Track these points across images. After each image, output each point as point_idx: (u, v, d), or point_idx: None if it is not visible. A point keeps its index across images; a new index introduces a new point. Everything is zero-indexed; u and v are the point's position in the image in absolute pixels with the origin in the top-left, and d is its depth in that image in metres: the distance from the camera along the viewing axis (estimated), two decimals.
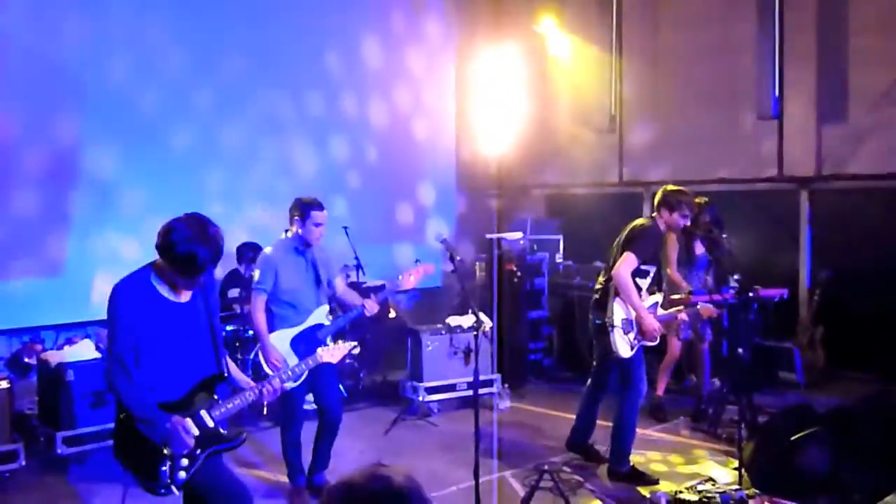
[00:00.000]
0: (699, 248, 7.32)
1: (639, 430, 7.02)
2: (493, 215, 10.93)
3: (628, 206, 10.08)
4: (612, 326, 5.75)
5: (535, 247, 9.45)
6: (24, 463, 5.87)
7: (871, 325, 8.13)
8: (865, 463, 5.53)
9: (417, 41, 10.42)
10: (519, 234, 9.17)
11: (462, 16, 10.91)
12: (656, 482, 5.85)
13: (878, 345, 8.05)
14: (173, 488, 3.65)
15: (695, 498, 5.01)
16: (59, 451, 6.09)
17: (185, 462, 3.67)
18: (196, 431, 3.69)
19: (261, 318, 5.43)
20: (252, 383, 4.04)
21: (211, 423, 3.76)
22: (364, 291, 6.50)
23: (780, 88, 8.72)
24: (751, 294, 6.22)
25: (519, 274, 8.92)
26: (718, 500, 4.95)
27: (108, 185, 7.76)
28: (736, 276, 6.16)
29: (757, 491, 5.27)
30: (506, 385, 8.05)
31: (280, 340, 5.46)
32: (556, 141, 10.92)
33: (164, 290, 3.73)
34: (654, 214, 5.99)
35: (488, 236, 9.18)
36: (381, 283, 9.14)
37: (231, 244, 7.71)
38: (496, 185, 11.08)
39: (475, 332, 5.13)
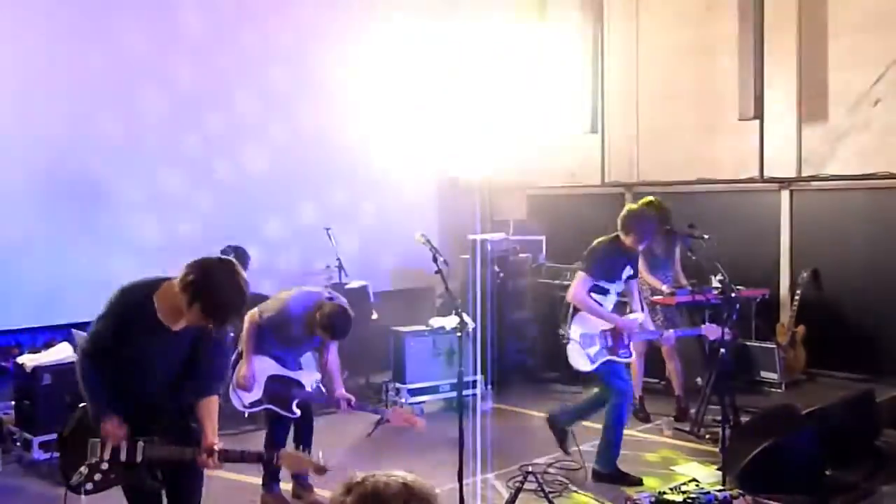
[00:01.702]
0: (657, 249, 7.37)
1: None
2: (476, 216, 10.93)
3: (611, 206, 10.06)
4: (569, 340, 5.88)
5: (518, 248, 9.44)
6: (0, 468, 5.79)
7: (852, 325, 8.18)
8: (848, 462, 5.57)
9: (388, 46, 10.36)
10: (502, 235, 9.17)
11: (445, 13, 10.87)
12: (640, 482, 5.85)
13: (858, 345, 8.10)
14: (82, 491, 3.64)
15: (679, 498, 5.02)
16: (35, 455, 6.03)
17: (97, 477, 3.61)
18: (123, 457, 3.64)
19: (252, 337, 5.39)
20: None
21: (139, 458, 3.66)
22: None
23: (761, 89, 8.77)
24: (732, 294, 6.25)
25: (502, 275, 8.91)
26: (702, 500, 4.96)
27: (88, 188, 7.64)
28: (718, 277, 6.18)
29: (740, 491, 5.27)
30: (489, 386, 8.03)
31: (261, 368, 5.42)
32: (538, 141, 10.91)
33: (161, 312, 3.63)
34: (617, 233, 6.04)
35: (471, 237, 9.16)
36: (364, 284, 9.13)
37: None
38: (479, 185, 11.09)
39: (458, 334, 5.11)
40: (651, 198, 7.48)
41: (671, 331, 6.38)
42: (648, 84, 9.89)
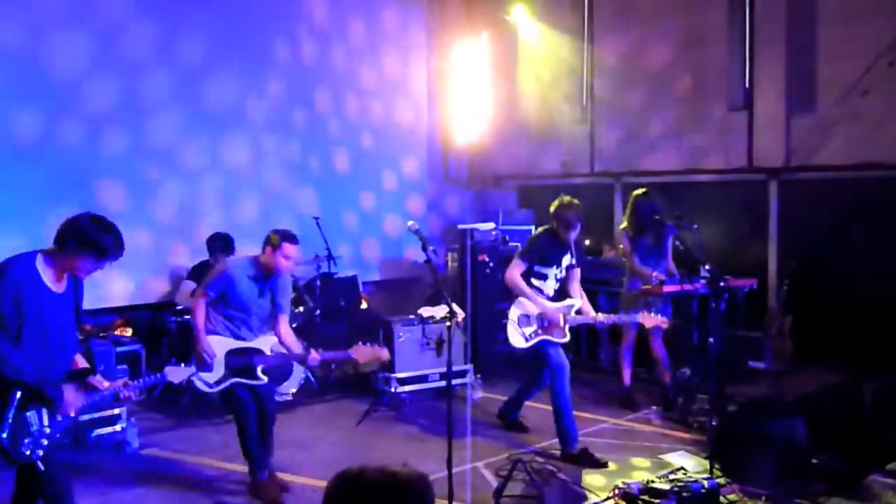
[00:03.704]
0: (647, 240, 7.40)
1: (610, 420, 7.11)
2: (466, 206, 10.95)
3: (600, 196, 10.10)
4: (506, 320, 6.36)
5: (507, 238, 9.44)
6: None
7: (839, 314, 8.22)
8: (833, 450, 5.61)
9: (389, 32, 10.35)
10: (491, 225, 9.16)
11: (434, 6, 10.86)
12: (605, 465, 5.99)
13: (845, 334, 8.14)
14: (31, 461, 3.86)
15: (666, 487, 5.03)
16: None
17: (44, 442, 3.88)
18: (59, 417, 3.94)
19: (199, 314, 5.47)
20: (106, 384, 4.19)
21: (72, 414, 4.01)
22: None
23: (750, 79, 8.78)
24: (721, 284, 6.27)
25: (491, 265, 8.91)
26: (690, 489, 4.97)
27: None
28: (706, 267, 6.19)
29: (728, 480, 5.30)
30: (478, 376, 8.04)
31: (217, 346, 5.46)
32: (528, 132, 10.92)
33: (46, 278, 3.91)
34: (554, 224, 6.47)
35: (460, 227, 9.16)
36: (352, 274, 9.13)
37: (201, 237, 7.73)
38: (468, 175, 11.10)
39: (447, 323, 5.11)
40: (642, 189, 7.51)
41: (604, 317, 6.55)
42: (637, 74, 9.89)
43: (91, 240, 3.86)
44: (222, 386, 5.43)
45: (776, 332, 8.35)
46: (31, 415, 3.84)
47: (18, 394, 3.80)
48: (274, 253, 5.45)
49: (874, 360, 7.69)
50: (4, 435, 3.76)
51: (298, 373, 7.53)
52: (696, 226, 6.83)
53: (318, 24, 9.54)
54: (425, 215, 10.70)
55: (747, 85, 8.82)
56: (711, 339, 6.23)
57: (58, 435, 3.94)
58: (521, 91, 10.96)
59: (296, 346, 5.69)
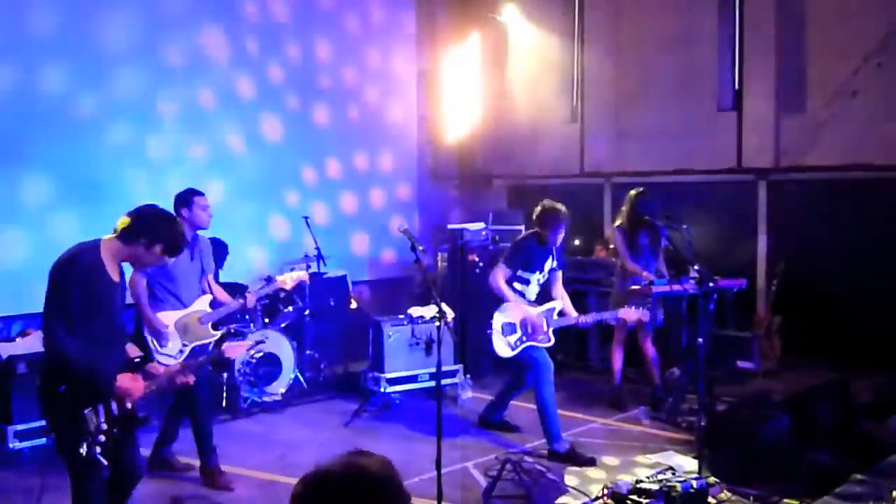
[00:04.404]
0: (642, 240, 7.41)
1: (599, 420, 7.12)
2: (455, 206, 10.94)
3: (590, 196, 10.11)
4: (490, 330, 6.36)
5: (497, 238, 9.43)
6: None
7: (827, 314, 8.24)
8: (822, 449, 5.63)
9: (378, 30, 10.33)
10: (481, 225, 9.16)
11: (423, 4, 10.85)
12: (593, 462, 6.03)
13: (833, 334, 8.17)
14: (91, 461, 3.81)
15: (655, 487, 5.03)
16: (10, 445, 5.96)
17: (102, 438, 3.83)
18: (116, 411, 3.89)
19: (142, 293, 5.55)
20: (162, 370, 4.25)
21: (129, 405, 3.97)
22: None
23: (740, 80, 8.80)
24: (710, 285, 6.28)
25: (481, 265, 8.90)
26: (679, 488, 4.97)
27: (54, 172, 7.53)
28: (696, 267, 6.20)
29: (716, 479, 5.31)
30: (468, 376, 8.04)
31: (166, 319, 5.59)
32: (518, 131, 10.91)
33: (108, 267, 3.91)
34: (536, 228, 6.52)
35: (450, 227, 9.16)
36: (342, 273, 9.11)
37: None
38: (458, 175, 11.08)
39: (437, 323, 5.11)
40: (640, 188, 7.52)
41: (585, 317, 6.56)
42: (627, 74, 9.90)
43: (165, 235, 3.95)
44: (184, 356, 5.55)
45: (765, 332, 8.38)
46: (88, 413, 3.81)
47: (71, 391, 3.78)
48: (191, 210, 5.64)
49: (862, 360, 7.73)
50: (64, 439, 3.78)
51: (287, 373, 7.52)
52: (685, 226, 6.84)
53: (305, 20, 9.50)
54: (415, 215, 10.68)
55: (736, 86, 8.83)
56: (700, 340, 6.24)
57: (115, 428, 3.87)
58: (512, 91, 10.95)
59: (228, 298, 5.96)
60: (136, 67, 7.98)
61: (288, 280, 6.17)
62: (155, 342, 5.52)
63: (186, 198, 5.68)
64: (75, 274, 3.80)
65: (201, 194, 5.76)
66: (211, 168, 8.46)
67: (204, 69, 8.55)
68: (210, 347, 5.74)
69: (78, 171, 7.54)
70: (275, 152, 9.19)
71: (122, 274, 4.07)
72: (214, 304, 5.86)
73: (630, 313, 6.49)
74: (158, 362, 5.30)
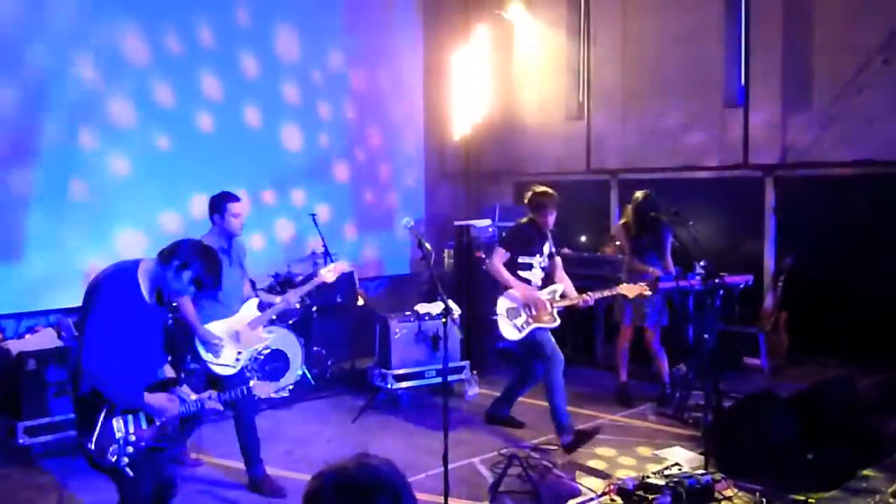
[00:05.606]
0: (645, 239, 7.43)
1: (606, 417, 7.13)
2: (462, 203, 10.95)
3: (596, 192, 10.12)
4: (496, 316, 6.42)
5: (504, 234, 9.43)
6: None
7: (834, 310, 8.24)
8: (829, 445, 5.62)
9: (384, 28, 10.33)
10: (487, 222, 9.17)
11: (430, 2, 10.85)
12: (598, 431, 6.25)
13: (840, 330, 8.16)
14: (117, 468, 3.85)
15: (661, 482, 5.04)
16: (20, 441, 5.99)
17: (129, 449, 3.86)
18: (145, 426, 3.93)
19: (189, 307, 5.44)
20: (193, 396, 4.19)
21: (158, 422, 4.00)
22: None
23: (747, 76, 8.79)
24: (716, 280, 6.29)
25: (487, 261, 8.90)
26: (685, 484, 4.97)
27: (67, 170, 7.58)
28: (702, 263, 6.21)
29: (723, 475, 5.32)
30: (474, 372, 8.05)
31: (216, 331, 5.49)
32: (524, 128, 10.92)
33: (144, 289, 3.92)
34: (531, 215, 6.62)
35: (457, 223, 9.17)
36: (349, 270, 9.12)
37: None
38: (465, 172, 11.09)
39: (444, 320, 5.12)
40: (645, 191, 7.49)
41: (588, 295, 6.51)
42: (634, 71, 9.90)
43: (198, 265, 3.95)
44: (241, 361, 5.48)
45: (771, 328, 8.37)
46: (116, 422, 3.85)
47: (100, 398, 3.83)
48: (223, 217, 5.55)
49: (869, 355, 7.72)
50: (92, 446, 3.79)
51: (295, 369, 7.54)
52: (692, 222, 6.85)
53: (309, 17, 9.49)
54: (421, 212, 10.70)
55: (743, 82, 8.83)
56: (707, 336, 6.25)
57: (143, 442, 3.90)
58: (518, 87, 10.96)
59: (271, 297, 5.88)
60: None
61: (330, 273, 5.97)
62: (209, 354, 5.43)
63: (220, 203, 5.57)
64: (110, 295, 3.84)
65: (236, 199, 5.60)
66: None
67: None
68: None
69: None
70: (281, 149, 9.21)
71: (162, 296, 4.06)
72: (261, 305, 5.75)
73: (630, 289, 6.56)
74: (215, 374, 5.41)
